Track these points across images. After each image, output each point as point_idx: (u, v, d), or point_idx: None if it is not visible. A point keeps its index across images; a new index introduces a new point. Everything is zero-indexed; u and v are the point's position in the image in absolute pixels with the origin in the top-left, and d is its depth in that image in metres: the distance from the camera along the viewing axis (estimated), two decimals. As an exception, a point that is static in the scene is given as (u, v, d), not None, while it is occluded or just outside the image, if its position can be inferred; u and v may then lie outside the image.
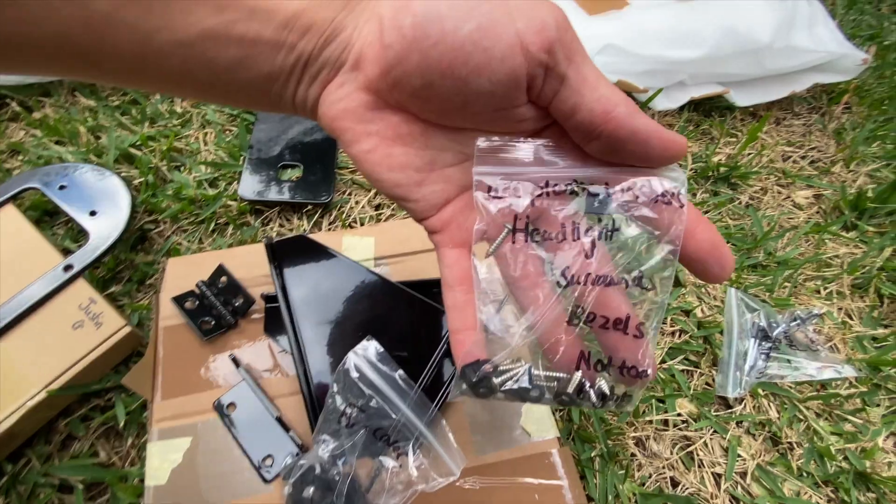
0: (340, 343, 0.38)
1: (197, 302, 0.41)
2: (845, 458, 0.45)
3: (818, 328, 0.52)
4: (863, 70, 0.70)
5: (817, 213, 0.62)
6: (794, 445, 0.46)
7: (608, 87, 0.20)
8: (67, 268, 0.43)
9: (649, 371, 0.21)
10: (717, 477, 0.44)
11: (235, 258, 0.44)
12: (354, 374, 0.31)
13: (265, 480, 0.35)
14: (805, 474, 0.45)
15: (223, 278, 0.42)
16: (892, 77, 0.78)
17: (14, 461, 0.42)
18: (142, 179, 0.55)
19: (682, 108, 0.67)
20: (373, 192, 0.58)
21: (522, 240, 0.23)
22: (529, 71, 0.19)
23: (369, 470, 0.33)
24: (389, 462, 0.31)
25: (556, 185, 0.22)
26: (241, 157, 0.57)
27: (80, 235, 0.51)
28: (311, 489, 0.33)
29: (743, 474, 0.45)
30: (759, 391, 0.48)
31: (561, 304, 0.22)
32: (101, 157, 0.56)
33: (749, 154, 0.65)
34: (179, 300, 0.40)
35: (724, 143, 0.67)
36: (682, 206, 0.20)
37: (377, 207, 0.57)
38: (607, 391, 0.22)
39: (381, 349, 0.33)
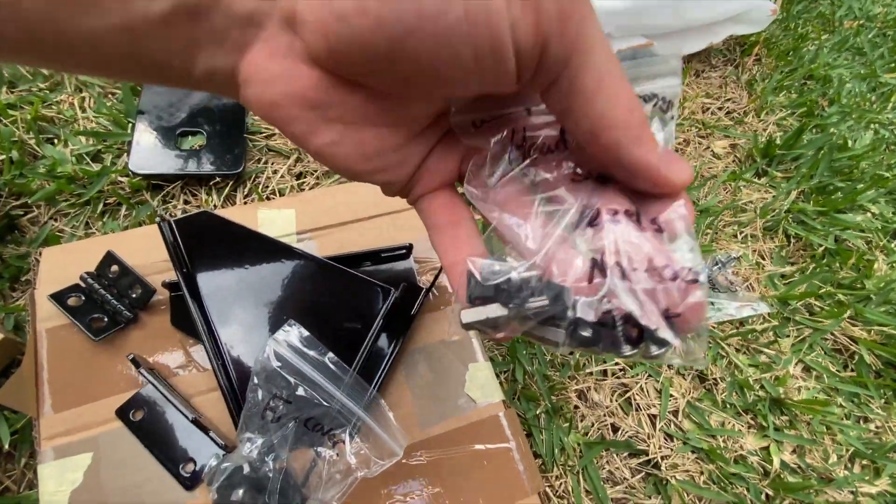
0: (262, 330, 0.34)
1: (83, 297, 0.35)
2: (762, 387, 0.49)
3: (736, 270, 0.56)
4: (771, 21, 0.73)
5: (733, 161, 0.65)
6: (719, 381, 0.49)
7: (608, 101, 0.16)
8: None
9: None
10: (652, 418, 0.47)
11: (128, 243, 0.38)
12: (276, 364, 0.28)
13: (186, 487, 0.31)
14: (728, 406, 0.48)
15: (114, 267, 0.36)
16: (796, 29, 0.82)
17: None
18: (3, 157, 0.46)
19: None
20: (293, 159, 0.52)
21: (519, 161, 0.19)
22: (518, 63, 0.15)
23: (304, 463, 0.30)
24: (326, 452, 0.29)
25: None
26: (129, 125, 0.49)
27: (-77, 229, 0.42)
28: (241, 491, 0.30)
29: (675, 412, 0.47)
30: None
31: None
32: (-58, 132, 0.46)
33: (673, 105, 0.67)
34: (60, 297, 0.34)
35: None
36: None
37: (299, 176, 0.52)
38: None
39: (306, 333, 0.30)
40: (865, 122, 0.71)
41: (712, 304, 0.51)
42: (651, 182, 0.17)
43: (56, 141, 0.49)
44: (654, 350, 0.17)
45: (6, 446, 0.36)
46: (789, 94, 0.74)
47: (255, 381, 0.28)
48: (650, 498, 0.43)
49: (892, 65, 0.81)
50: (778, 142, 0.66)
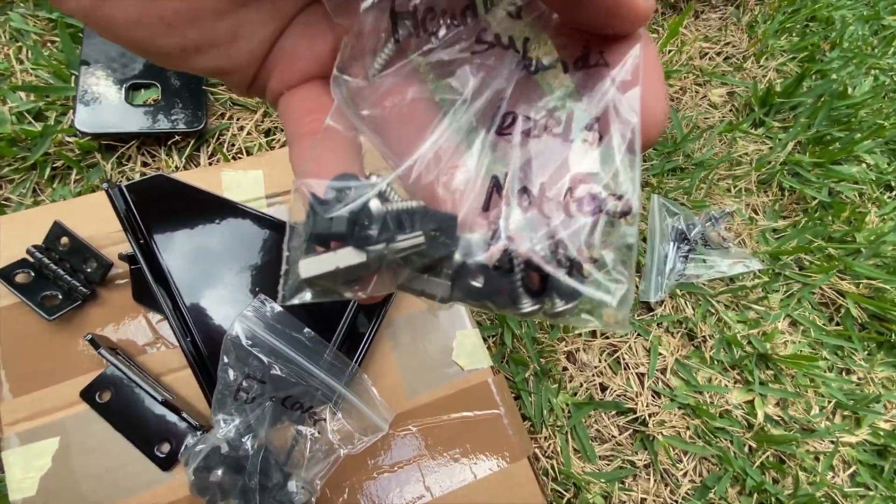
0: (230, 301, 0.31)
1: (32, 273, 0.32)
2: (749, 343, 0.49)
3: (729, 226, 0.54)
4: (776, -45, 0.68)
5: (730, 111, 0.62)
6: (707, 338, 0.49)
7: None
8: None
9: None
10: (640, 377, 0.47)
11: (79, 212, 0.35)
12: (246, 342, 0.26)
13: (164, 469, 0.30)
14: (716, 362, 0.48)
15: (64, 239, 0.32)
16: (800, -36, 0.77)
17: None
18: (-70, 116, 0.41)
19: None
20: (259, 113, 0.48)
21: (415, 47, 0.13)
22: None
23: (284, 441, 0.29)
24: (307, 430, 0.28)
25: None
26: (73, 77, 0.44)
27: None
28: (219, 472, 0.28)
29: (663, 370, 0.47)
30: (678, 291, 0.50)
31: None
32: None
33: (670, 51, 0.62)
34: (6, 274, 0.31)
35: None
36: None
37: (267, 133, 0.47)
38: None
39: (279, 308, 0.28)
40: (866, 68, 0.68)
41: (704, 261, 0.50)
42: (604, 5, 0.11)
43: (-9, 97, 0.44)
44: (560, 305, 0.12)
45: (-32, 431, 0.34)
46: (791, 38, 0.70)
47: (226, 360, 0.27)
48: (637, 454, 0.44)
49: (898, 4, 0.76)
50: (778, 89, 0.62)
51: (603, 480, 0.42)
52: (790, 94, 0.62)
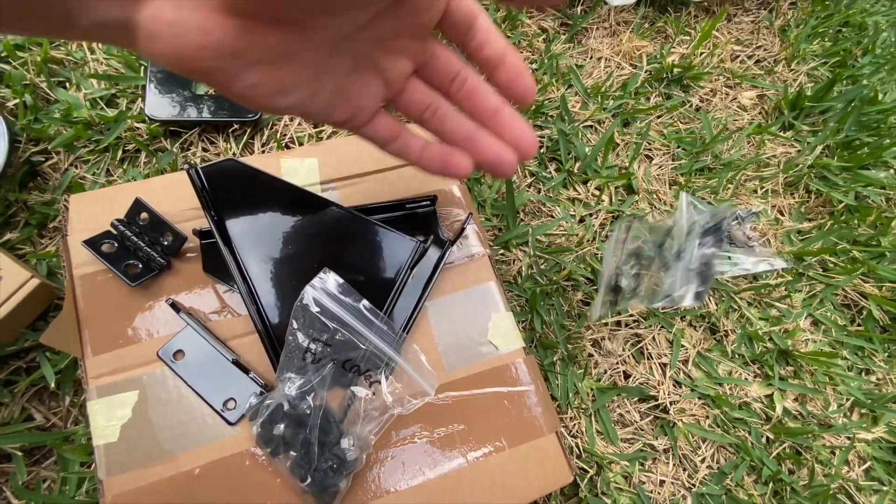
0: (292, 276, 0.35)
1: (115, 244, 0.35)
2: (770, 340, 0.51)
3: (755, 226, 0.56)
4: (811, -40, 0.68)
5: (760, 113, 0.63)
6: (729, 332, 0.51)
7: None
8: (-63, 214, 0.35)
9: None
10: (662, 366, 0.49)
11: (154, 191, 0.38)
12: (315, 309, 0.29)
13: (229, 423, 0.33)
14: (737, 356, 0.50)
15: (143, 214, 0.36)
16: (835, -31, 0.77)
17: (-71, 436, 0.37)
18: (17, 101, 0.45)
19: (638, 2, 0.63)
20: (309, 106, 0.51)
21: None
22: None
23: (341, 401, 0.32)
24: (362, 391, 0.30)
25: None
26: (142, 68, 0.48)
27: (-54, 174, 0.42)
28: (282, 426, 0.32)
29: (685, 361, 0.49)
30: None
31: None
32: (-48, 73, 0.45)
33: (702, 53, 0.64)
34: (93, 243, 0.35)
35: (678, 41, 0.65)
36: None
37: (317, 124, 0.50)
38: None
39: (341, 280, 0.31)
40: (899, 74, 0.68)
41: (729, 258, 0.51)
42: None
43: (68, 84, 0.47)
44: None
45: (52, 385, 0.37)
46: (823, 43, 0.70)
47: (294, 325, 0.30)
48: (657, 438, 0.46)
49: (934, 11, 0.76)
50: (808, 93, 0.63)
51: (624, 461, 0.44)
52: (820, 98, 0.63)
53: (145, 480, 0.32)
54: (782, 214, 0.58)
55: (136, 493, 0.31)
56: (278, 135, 0.49)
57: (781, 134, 0.62)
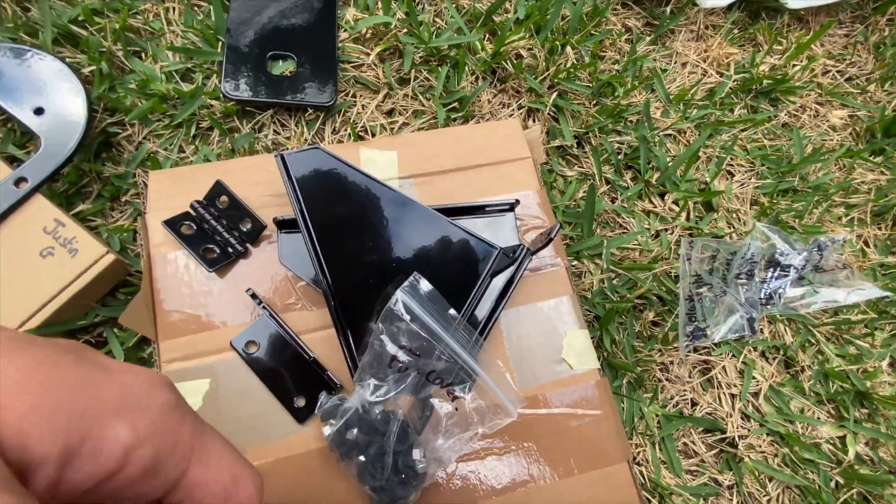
0: (371, 273, 0.33)
1: (194, 226, 0.34)
2: (848, 379, 0.48)
3: (839, 255, 0.52)
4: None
5: (850, 135, 0.59)
6: (805, 368, 0.48)
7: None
8: (20, 181, 0.35)
9: None
10: (732, 398, 0.46)
11: (232, 173, 0.37)
12: (406, 316, 0.28)
13: (300, 421, 0.32)
14: (811, 394, 0.47)
15: (223, 198, 0.35)
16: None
17: None
18: (93, 68, 0.44)
19: (730, 6, 0.60)
20: (382, 94, 0.49)
21: None
22: None
23: (419, 412, 0.30)
24: (444, 406, 0.29)
25: None
26: (220, 43, 0.47)
27: (25, 140, 0.42)
28: (356, 431, 0.30)
29: (756, 394, 0.46)
30: (777, 317, 0.49)
31: None
32: (36, 38, 0.44)
33: (794, 66, 0.60)
34: (172, 224, 0.34)
35: (770, 50, 0.61)
36: None
37: (389, 114, 0.49)
38: None
39: (431, 287, 0.29)
40: None
41: (815, 291, 0.48)
42: None
43: (144, 55, 0.47)
44: None
45: (121, 359, 0.37)
46: (923, 63, 0.65)
47: (381, 329, 0.28)
48: (722, 473, 0.44)
49: None
50: (904, 118, 0.59)
51: (688, 493, 0.42)
52: (919, 124, 0.58)
53: (213, 472, 0.31)
54: (868, 246, 0.54)
55: (204, 485, 0.31)
56: (351, 121, 0.47)
57: (871, 159, 0.58)
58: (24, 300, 0.33)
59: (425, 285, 0.29)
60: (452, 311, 0.29)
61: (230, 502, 0.18)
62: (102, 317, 0.37)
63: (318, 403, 0.32)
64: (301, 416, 0.32)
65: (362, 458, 0.31)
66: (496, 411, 0.29)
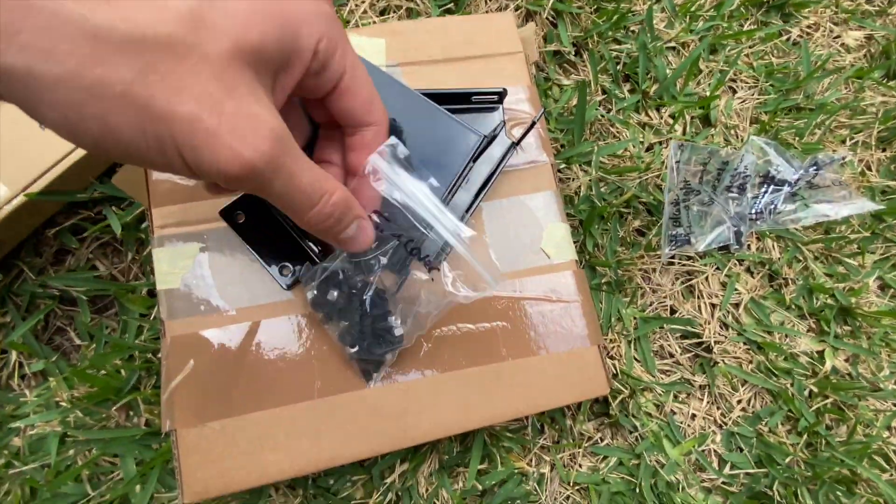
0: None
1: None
2: (832, 296, 0.48)
3: (837, 174, 0.51)
4: None
5: (864, 56, 0.57)
6: (790, 282, 0.48)
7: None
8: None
9: None
10: (712, 307, 0.47)
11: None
12: (380, 177, 0.28)
13: (284, 287, 0.34)
14: (793, 307, 0.48)
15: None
16: None
17: (5, 271, 0.40)
18: None
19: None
20: (377, -6, 0.48)
21: None
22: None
23: (395, 278, 0.32)
24: (422, 275, 0.30)
25: None
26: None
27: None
28: (336, 293, 0.32)
29: (736, 305, 0.47)
30: (767, 234, 0.49)
31: None
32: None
33: (811, -21, 0.57)
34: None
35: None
36: None
37: (382, 12, 0.48)
38: None
39: (407, 152, 0.29)
40: None
41: (806, 205, 0.48)
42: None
43: None
44: None
45: (118, 233, 0.39)
46: (954, -17, 0.61)
47: (357, 190, 0.29)
48: (695, 375, 0.45)
49: None
50: (925, 39, 0.56)
51: (659, 389, 0.43)
52: (939, 45, 0.56)
53: (203, 327, 0.33)
54: (869, 169, 0.53)
55: (196, 338, 0.33)
56: (343, 18, 0.47)
57: (883, 82, 0.56)
58: (27, 165, 0.35)
59: (403, 150, 0.29)
60: (432, 179, 0.30)
61: (369, 116, 0.26)
62: (101, 193, 0.39)
63: (303, 271, 0.33)
64: (285, 283, 0.34)
65: (344, 321, 0.32)
66: (475, 282, 0.30)
